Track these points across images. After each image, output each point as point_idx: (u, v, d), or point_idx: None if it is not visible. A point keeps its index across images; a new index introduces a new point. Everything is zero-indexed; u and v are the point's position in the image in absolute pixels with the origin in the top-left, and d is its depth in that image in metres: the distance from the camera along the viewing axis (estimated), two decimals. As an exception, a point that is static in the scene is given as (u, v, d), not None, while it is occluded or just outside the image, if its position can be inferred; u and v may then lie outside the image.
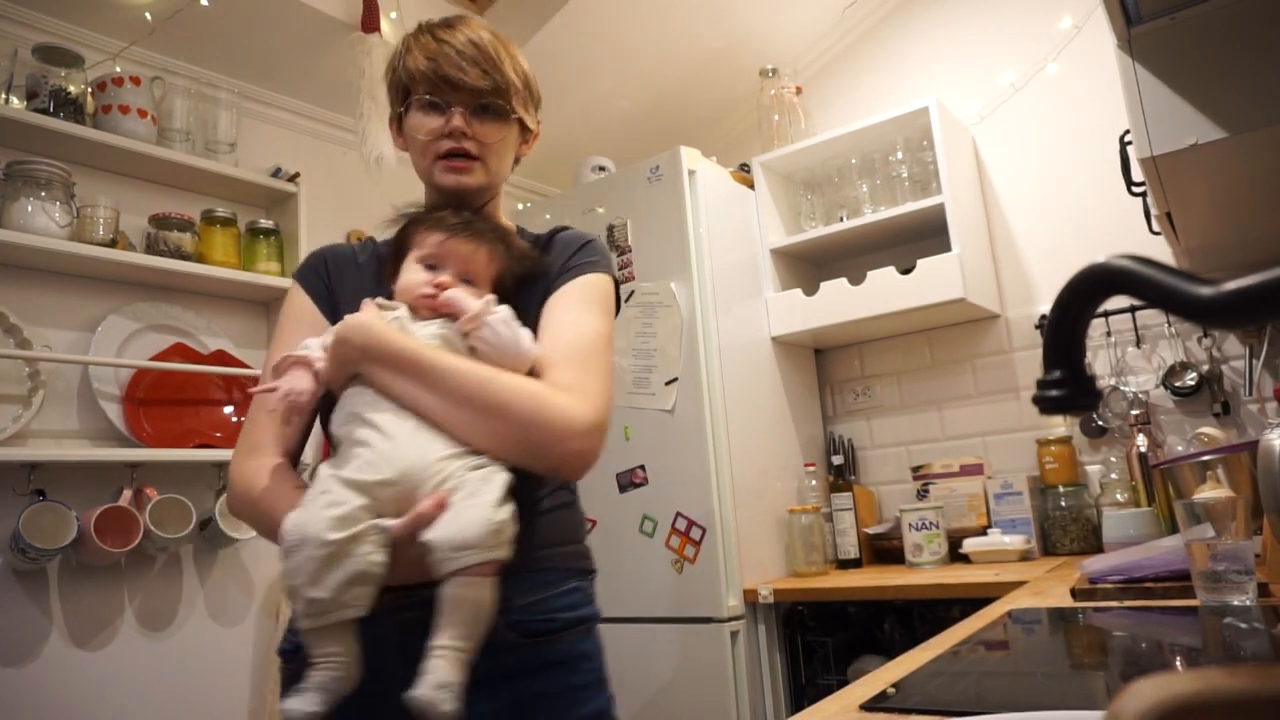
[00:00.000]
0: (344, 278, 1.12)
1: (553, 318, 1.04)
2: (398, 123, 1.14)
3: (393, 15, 2.34)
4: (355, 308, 1.01)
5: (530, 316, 1.04)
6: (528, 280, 1.09)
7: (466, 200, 1.09)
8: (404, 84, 1.10)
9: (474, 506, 0.89)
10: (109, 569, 1.94)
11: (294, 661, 0.99)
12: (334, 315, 1.06)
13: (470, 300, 0.99)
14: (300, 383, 0.96)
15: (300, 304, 1.11)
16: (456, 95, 1.06)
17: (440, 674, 0.84)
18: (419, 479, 0.91)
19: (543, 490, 1.06)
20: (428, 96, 1.07)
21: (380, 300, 1.01)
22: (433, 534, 0.87)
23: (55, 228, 1.83)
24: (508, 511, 0.90)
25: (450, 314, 0.99)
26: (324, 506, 0.88)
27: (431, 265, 1.02)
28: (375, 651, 0.91)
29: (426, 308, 1.00)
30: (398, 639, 0.93)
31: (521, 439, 0.93)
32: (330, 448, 1.01)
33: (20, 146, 1.88)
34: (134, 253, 2.01)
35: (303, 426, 1.05)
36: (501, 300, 1.02)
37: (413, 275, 1.02)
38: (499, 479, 0.92)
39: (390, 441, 0.92)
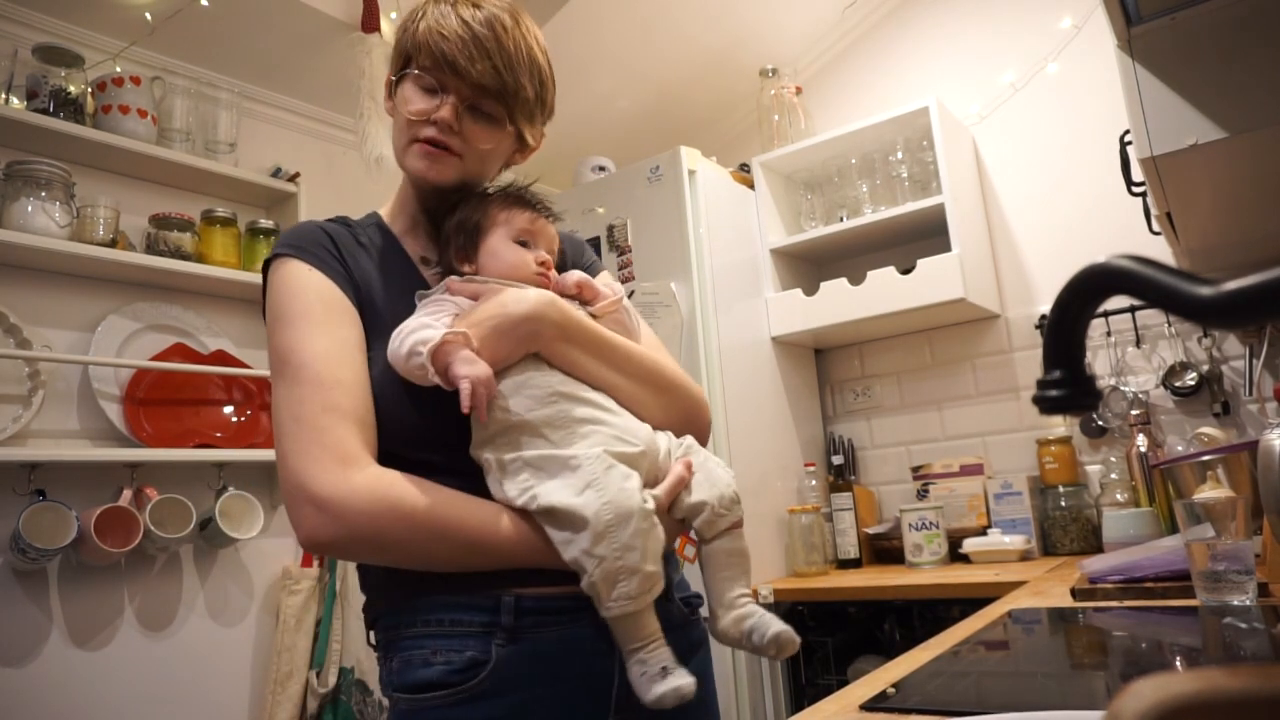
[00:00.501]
0: (358, 260, 0.98)
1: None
2: (391, 87, 1.02)
3: (393, 15, 2.34)
4: (386, 295, 0.95)
5: None
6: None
7: (435, 192, 1.01)
8: (407, 49, 0.99)
9: (718, 467, 0.95)
10: (109, 569, 1.94)
11: (457, 686, 0.85)
12: (359, 302, 0.95)
13: (601, 284, 1.00)
14: (480, 368, 0.85)
15: (323, 287, 0.93)
16: (456, 82, 0.95)
17: (770, 615, 0.89)
18: (656, 449, 0.92)
19: None
20: (427, 74, 0.96)
21: (451, 280, 0.95)
22: (701, 494, 0.90)
23: (55, 228, 1.83)
24: None
25: (570, 294, 0.97)
26: (622, 478, 0.84)
27: (523, 242, 0.98)
28: (589, 640, 0.88)
29: (538, 285, 0.95)
30: (606, 639, 0.88)
31: (687, 413, 1.00)
32: (483, 428, 0.89)
33: (20, 146, 1.88)
34: (134, 253, 2.01)
35: (375, 429, 0.90)
36: None
37: (516, 253, 0.97)
38: (696, 445, 0.98)
39: (618, 416, 0.92)
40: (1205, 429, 2.05)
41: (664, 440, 0.94)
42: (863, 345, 2.81)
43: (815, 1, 2.79)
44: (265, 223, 2.24)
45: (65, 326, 1.96)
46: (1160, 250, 2.09)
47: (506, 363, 0.89)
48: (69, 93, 1.93)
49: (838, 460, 2.62)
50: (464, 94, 0.96)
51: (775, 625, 0.87)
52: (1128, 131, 1.48)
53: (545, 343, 0.90)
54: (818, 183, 2.75)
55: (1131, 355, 2.36)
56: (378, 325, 0.93)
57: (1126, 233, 2.27)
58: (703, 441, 1.01)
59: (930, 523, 2.31)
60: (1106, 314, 2.37)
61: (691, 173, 2.39)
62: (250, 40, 2.25)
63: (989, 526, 2.33)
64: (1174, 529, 1.74)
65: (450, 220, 0.99)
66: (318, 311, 0.92)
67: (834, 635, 2.23)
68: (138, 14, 2.08)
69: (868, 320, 2.47)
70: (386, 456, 0.88)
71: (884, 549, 2.51)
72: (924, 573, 2.19)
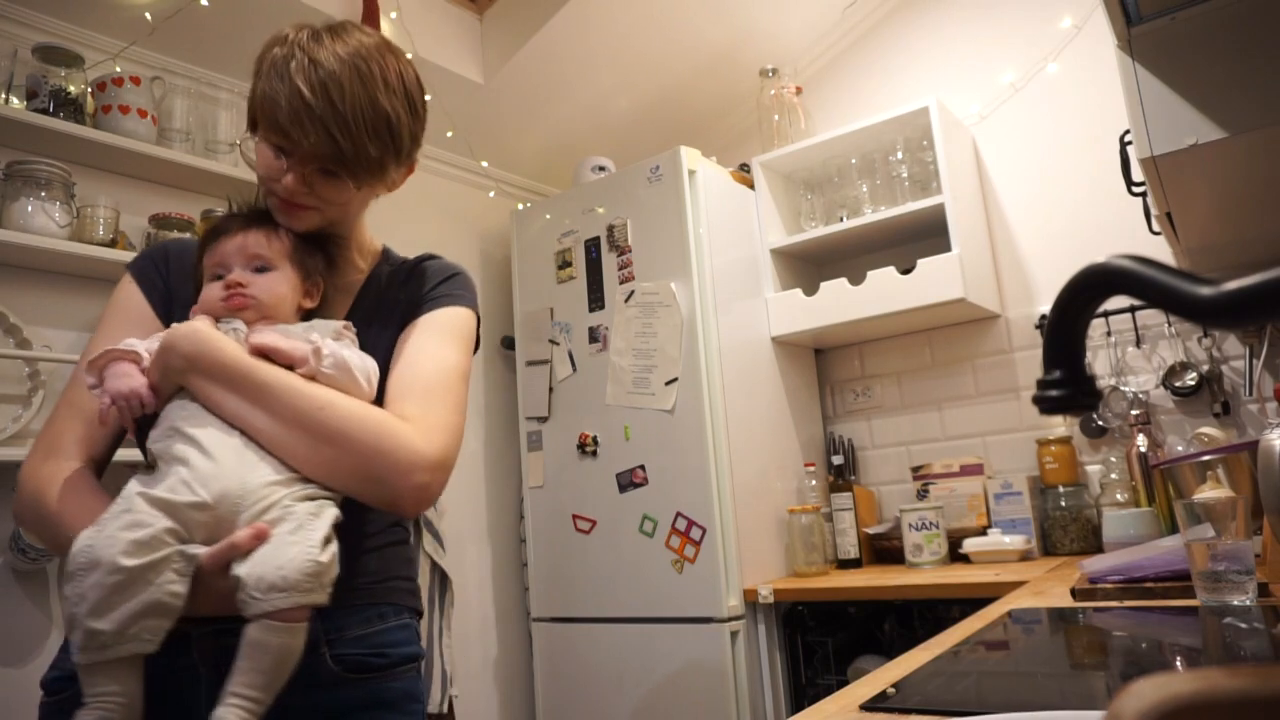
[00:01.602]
0: (185, 279, 1.01)
1: (409, 346, 0.99)
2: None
3: (393, 15, 2.34)
4: (187, 313, 0.96)
5: (385, 340, 1.01)
6: (386, 303, 1.05)
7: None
8: (252, 108, 0.97)
9: (296, 543, 0.81)
10: (109, 569, 1.94)
11: (60, 694, 0.90)
12: (168, 318, 0.98)
13: (291, 343, 0.91)
14: (132, 382, 0.87)
15: (130, 297, 1.00)
16: (295, 151, 0.94)
17: None
18: (239, 505, 0.83)
19: (377, 524, 1.02)
20: (270, 140, 0.95)
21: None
22: (244, 569, 0.79)
23: (55, 228, 1.83)
24: (332, 552, 0.84)
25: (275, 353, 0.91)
26: (123, 527, 0.79)
27: (219, 275, 0.96)
28: (180, 686, 0.86)
29: (228, 311, 0.94)
30: (207, 674, 0.85)
31: (360, 469, 0.87)
32: (146, 464, 0.90)
33: (20, 146, 1.87)
34: (134, 253, 2.01)
35: (114, 432, 0.95)
36: (325, 301, 1.02)
37: (207, 291, 0.96)
38: (329, 513, 0.86)
39: (211, 461, 0.84)
40: (1205, 429, 2.06)
41: (276, 498, 0.84)
42: (863, 345, 2.81)
43: (815, 1, 2.79)
44: (265, 223, 2.24)
45: (65, 326, 1.96)
46: (1160, 250, 2.09)
47: (162, 393, 0.90)
48: (69, 93, 1.93)
49: (838, 460, 2.62)
50: (305, 159, 0.94)
51: None
52: (1128, 131, 1.49)
53: (176, 375, 0.88)
54: (818, 183, 2.75)
55: (1131, 355, 2.36)
56: None
57: (1126, 233, 2.27)
58: (406, 508, 0.90)
59: (930, 523, 2.31)
60: (1106, 314, 2.37)
61: (691, 173, 2.39)
62: (250, 40, 2.23)
63: (989, 526, 2.33)
64: (1174, 529, 1.74)
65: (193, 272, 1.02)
66: (112, 320, 0.99)
67: (834, 635, 2.23)
68: (138, 14, 2.08)
69: (868, 320, 2.47)
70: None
71: (884, 549, 2.51)
72: (924, 573, 2.19)
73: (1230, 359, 2.24)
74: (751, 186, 2.70)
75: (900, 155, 2.55)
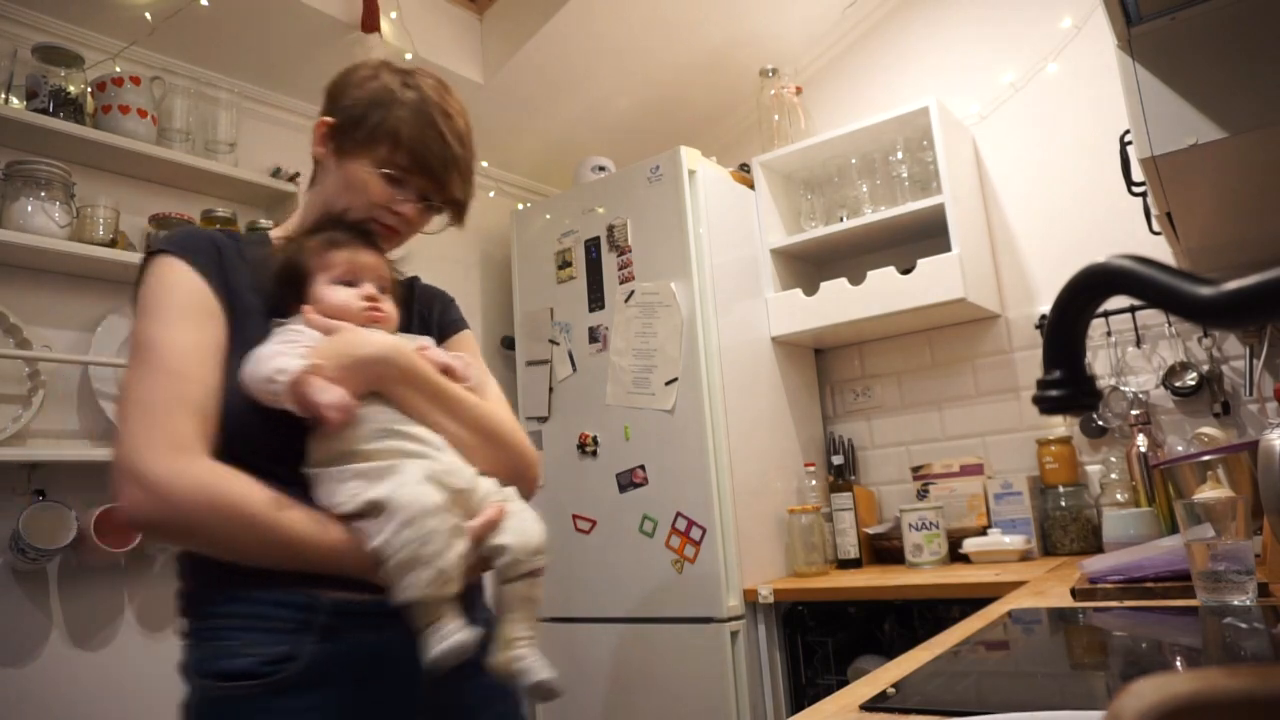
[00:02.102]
0: (237, 272, 1.02)
1: (474, 366, 1.13)
2: (334, 134, 1.08)
3: (393, 15, 2.34)
4: (247, 305, 1.00)
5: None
6: (421, 321, 1.18)
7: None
8: (375, 133, 1.05)
9: (532, 518, 1.01)
10: (109, 569, 1.94)
11: (267, 677, 0.88)
12: (230, 309, 0.99)
13: (459, 361, 1.07)
14: (343, 395, 0.93)
15: (199, 288, 0.98)
16: (428, 189, 1.08)
17: (541, 660, 0.96)
18: (477, 491, 0.99)
19: None
20: (400, 174, 1.06)
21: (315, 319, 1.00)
22: (507, 539, 0.96)
23: (55, 228, 1.83)
24: None
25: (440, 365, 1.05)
26: (429, 489, 0.92)
27: (348, 282, 1.03)
28: (397, 656, 0.94)
29: (367, 322, 1.02)
30: (413, 647, 0.92)
31: (512, 465, 1.06)
32: (321, 450, 0.95)
33: (20, 146, 1.87)
34: (134, 253, 2.00)
35: (217, 428, 0.94)
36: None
37: (340, 296, 1.02)
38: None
39: (446, 455, 0.99)
40: (1205, 429, 2.05)
41: (486, 485, 1.01)
42: (863, 345, 2.81)
43: (815, 1, 2.79)
44: (265, 223, 2.24)
45: (65, 326, 1.96)
46: (1160, 250, 2.09)
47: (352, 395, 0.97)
48: (69, 93, 1.93)
49: (838, 460, 2.62)
50: (431, 195, 1.09)
51: (541, 674, 0.95)
52: (1128, 131, 1.49)
53: (388, 384, 0.98)
54: (818, 183, 2.75)
55: (1131, 355, 2.36)
56: (240, 338, 0.97)
57: (1126, 233, 2.27)
58: (526, 497, 1.08)
59: (930, 523, 2.31)
60: (1106, 314, 2.37)
61: (691, 173, 2.39)
62: (250, 40, 2.25)
63: (989, 526, 2.33)
64: (1174, 529, 1.74)
65: (273, 266, 1.03)
66: (188, 308, 0.96)
67: (834, 635, 2.23)
68: (138, 14, 2.08)
69: (868, 320, 2.47)
70: (233, 461, 0.91)
71: (884, 549, 2.51)
72: (924, 573, 2.19)
73: (1230, 359, 2.24)
74: (751, 186, 2.70)
75: (900, 155, 2.55)
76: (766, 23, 2.79)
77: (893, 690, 0.88)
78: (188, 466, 0.87)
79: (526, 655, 0.95)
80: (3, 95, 1.89)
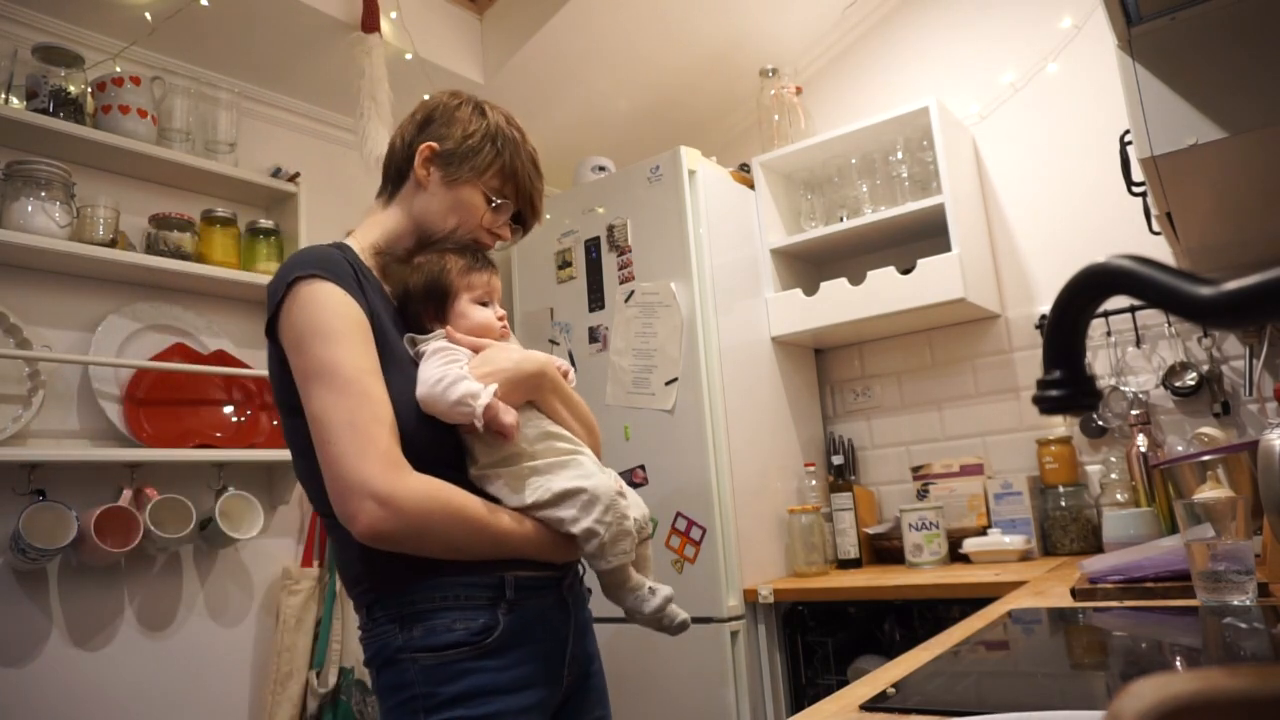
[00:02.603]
0: (366, 292, 1.12)
1: None
2: (439, 160, 1.20)
3: (393, 15, 2.34)
4: (383, 322, 1.11)
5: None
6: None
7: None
8: (507, 171, 1.21)
9: (633, 493, 1.18)
10: (109, 569, 1.94)
11: (475, 644, 1.05)
12: (373, 330, 1.09)
13: (568, 367, 1.27)
14: (515, 416, 1.10)
15: (355, 309, 1.07)
16: (523, 213, 1.27)
17: (671, 600, 1.18)
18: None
19: None
20: (512, 207, 1.24)
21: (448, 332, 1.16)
22: (635, 511, 1.15)
23: (55, 228, 1.83)
24: None
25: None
26: (606, 477, 1.13)
27: (484, 302, 1.18)
28: (554, 616, 1.14)
29: (500, 338, 1.19)
30: (573, 605, 1.18)
31: (598, 448, 1.25)
32: (489, 455, 1.11)
33: (20, 146, 1.87)
34: (134, 253, 2.01)
35: None
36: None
37: (482, 315, 1.18)
38: None
39: (587, 451, 1.18)
40: (1205, 429, 2.06)
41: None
42: (863, 345, 2.81)
43: (815, 1, 2.79)
44: (265, 223, 2.24)
45: (65, 326, 1.96)
46: (1160, 250, 2.09)
47: (515, 406, 1.12)
48: (69, 93, 1.93)
49: (838, 460, 2.62)
50: (523, 220, 1.28)
51: (683, 613, 1.20)
52: (1128, 131, 1.49)
53: (544, 394, 1.18)
54: (818, 183, 2.75)
55: (1131, 355, 2.36)
56: (383, 349, 1.08)
57: (1126, 233, 2.27)
58: None
59: (930, 523, 2.31)
60: (1106, 314, 2.37)
61: (691, 173, 2.39)
62: (250, 40, 2.25)
63: (989, 526, 2.33)
64: (1174, 529, 1.74)
65: (414, 280, 1.16)
66: (356, 331, 1.05)
67: (834, 635, 2.23)
68: (138, 14, 2.08)
69: (868, 320, 2.47)
70: (418, 468, 1.05)
71: (884, 549, 2.51)
72: (924, 573, 2.19)
73: (1230, 359, 2.24)
74: (751, 186, 2.70)
75: (900, 155, 2.55)
76: (766, 23, 2.79)
77: (893, 690, 0.88)
78: (409, 479, 1.00)
79: (664, 591, 1.17)
80: (3, 95, 1.89)
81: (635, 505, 1.16)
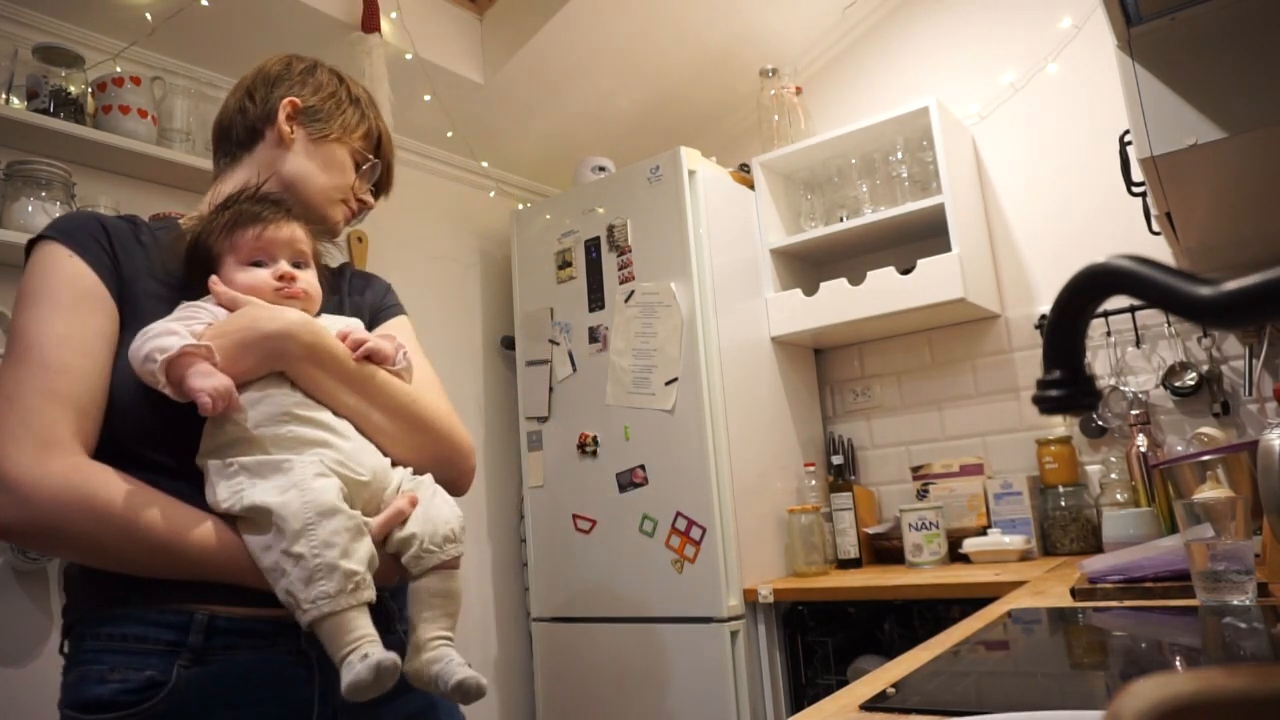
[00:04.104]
0: (131, 257, 0.96)
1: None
2: (301, 116, 1.09)
3: (393, 15, 2.34)
4: (148, 291, 0.94)
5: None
6: (351, 305, 1.13)
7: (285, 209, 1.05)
8: (373, 133, 1.15)
9: (444, 504, 0.93)
10: (109, 569, 1.94)
11: (134, 707, 0.80)
12: (121, 297, 0.92)
13: (384, 343, 0.98)
14: (222, 380, 0.85)
15: (81, 274, 0.90)
16: (381, 180, 1.18)
17: (459, 660, 0.86)
18: (384, 481, 0.92)
19: None
20: (378, 169, 1.15)
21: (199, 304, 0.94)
22: (415, 529, 0.89)
23: (55, 228, 1.83)
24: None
25: (364, 351, 0.96)
26: (325, 483, 0.84)
27: (258, 262, 0.96)
28: (288, 675, 0.87)
29: (280, 300, 0.95)
30: (319, 659, 0.87)
31: (440, 454, 1.00)
32: (213, 438, 0.88)
33: (21, 146, 1.87)
34: (134, 253, 2.01)
35: (100, 421, 0.87)
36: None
37: (250, 277, 0.95)
38: (438, 485, 0.97)
39: (350, 443, 0.91)
40: (1205, 429, 2.05)
41: (398, 475, 0.94)
42: (862, 345, 2.81)
43: (815, 1, 2.79)
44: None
45: (65, 326, 1.96)
46: (1160, 250, 2.09)
47: (248, 376, 0.89)
48: (69, 93, 1.93)
49: (838, 460, 2.62)
50: (378, 189, 1.18)
51: (460, 673, 0.84)
52: (1128, 131, 1.49)
53: (291, 362, 0.91)
54: (818, 183, 2.75)
55: (1131, 355, 2.36)
56: (134, 323, 0.90)
57: (1126, 233, 2.27)
58: (460, 487, 1.04)
59: (930, 523, 2.31)
60: (1106, 314, 2.37)
61: (691, 173, 2.39)
62: (250, 40, 2.25)
63: (989, 526, 2.33)
64: (1174, 529, 1.74)
65: (179, 249, 0.97)
66: (65, 297, 0.89)
67: (834, 635, 2.23)
68: (138, 14, 2.08)
69: (867, 320, 2.47)
70: (122, 453, 0.86)
71: (884, 549, 2.51)
72: (924, 573, 2.19)
73: (1230, 359, 2.24)
74: (751, 186, 2.70)
75: (900, 155, 2.55)
76: (766, 23, 2.79)
77: (892, 690, 0.88)
78: (53, 464, 0.81)
79: (440, 657, 0.85)
80: (3, 95, 1.89)
81: (423, 520, 0.90)
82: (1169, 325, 2.31)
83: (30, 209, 1.81)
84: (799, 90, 2.83)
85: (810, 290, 2.55)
